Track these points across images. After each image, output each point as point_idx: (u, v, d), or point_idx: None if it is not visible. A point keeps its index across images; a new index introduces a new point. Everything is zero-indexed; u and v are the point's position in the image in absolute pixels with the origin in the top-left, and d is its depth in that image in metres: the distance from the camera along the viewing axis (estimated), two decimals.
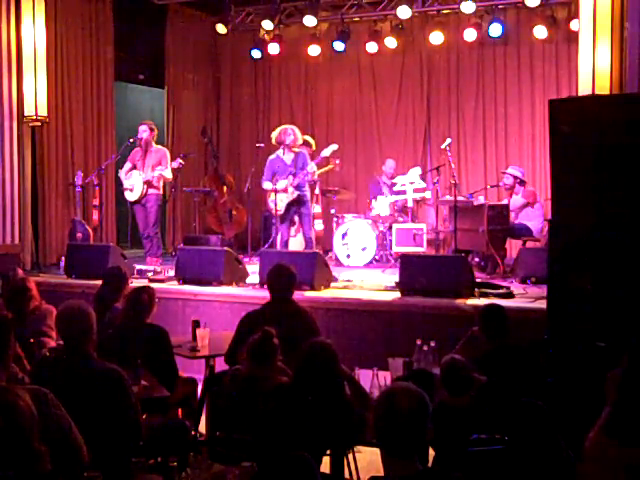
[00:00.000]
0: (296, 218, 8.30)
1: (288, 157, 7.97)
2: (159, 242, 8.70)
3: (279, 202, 7.97)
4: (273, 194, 8.04)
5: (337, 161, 9.39)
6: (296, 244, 8.91)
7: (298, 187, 7.89)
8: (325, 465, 3.49)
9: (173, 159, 8.61)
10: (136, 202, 8.52)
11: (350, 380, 3.66)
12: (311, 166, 7.86)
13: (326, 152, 8.19)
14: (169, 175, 8.52)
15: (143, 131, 8.47)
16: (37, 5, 8.45)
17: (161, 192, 8.69)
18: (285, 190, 7.92)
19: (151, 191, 8.43)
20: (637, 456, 2.19)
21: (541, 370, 4.29)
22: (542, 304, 5.32)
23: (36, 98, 8.46)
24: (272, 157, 8.11)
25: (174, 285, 7.24)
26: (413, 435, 2.30)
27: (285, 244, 8.13)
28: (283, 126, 8.24)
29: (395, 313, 6.32)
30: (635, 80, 6.24)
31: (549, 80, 10.05)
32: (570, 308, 4.52)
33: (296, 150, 8.01)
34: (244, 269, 7.41)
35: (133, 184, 8.41)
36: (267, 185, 8.07)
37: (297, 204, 7.99)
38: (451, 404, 3.48)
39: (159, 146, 8.74)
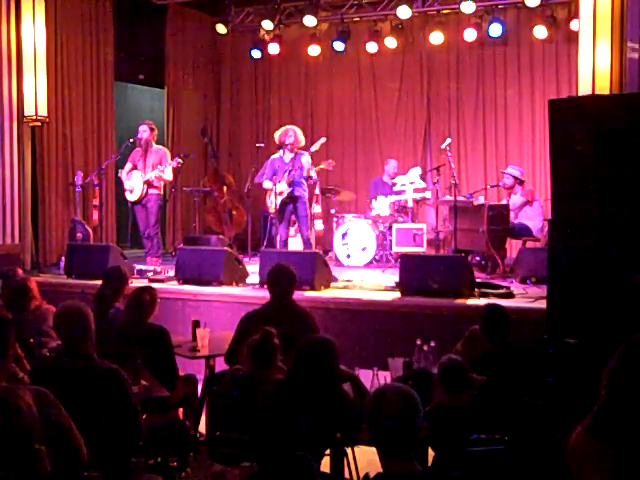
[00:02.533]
0: (293, 217, 8.29)
1: (288, 157, 7.99)
2: (159, 242, 8.69)
3: (275, 200, 7.98)
4: (272, 193, 8.03)
5: (330, 160, 9.37)
6: (296, 244, 8.91)
7: (292, 184, 7.88)
8: (325, 465, 3.49)
9: (173, 159, 8.61)
10: (137, 202, 8.52)
11: (353, 380, 3.66)
12: (306, 158, 7.83)
13: (315, 147, 8.22)
14: (169, 175, 8.51)
15: (143, 131, 8.47)
16: (37, 5, 8.45)
17: (161, 192, 8.69)
18: (281, 193, 7.92)
19: (151, 191, 8.43)
20: (621, 458, 2.19)
21: (541, 370, 4.29)
22: (542, 304, 5.32)
23: (36, 98, 8.46)
24: (275, 156, 8.13)
25: (174, 285, 7.24)
26: (404, 433, 2.31)
27: (284, 244, 8.12)
28: (286, 127, 8.24)
29: (395, 313, 6.32)
30: (635, 80, 6.24)
31: (549, 80, 10.05)
32: (570, 307, 4.52)
33: (297, 151, 8.01)
34: (244, 269, 7.41)
35: (133, 185, 8.42)
36: (267, 184, 8.07)
37: (292, 203, 7.97)
38: (450, 404, 3.48)
39: (159, 146, 8.74)
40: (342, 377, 3.53)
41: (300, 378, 3.27)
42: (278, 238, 8.24)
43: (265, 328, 3.81)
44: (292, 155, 7.96)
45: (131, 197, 8.49)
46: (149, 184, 8.38)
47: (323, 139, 8.41)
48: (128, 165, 8.57)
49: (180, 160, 8.55)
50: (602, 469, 2.23)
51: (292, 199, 7.93)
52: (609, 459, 2.22)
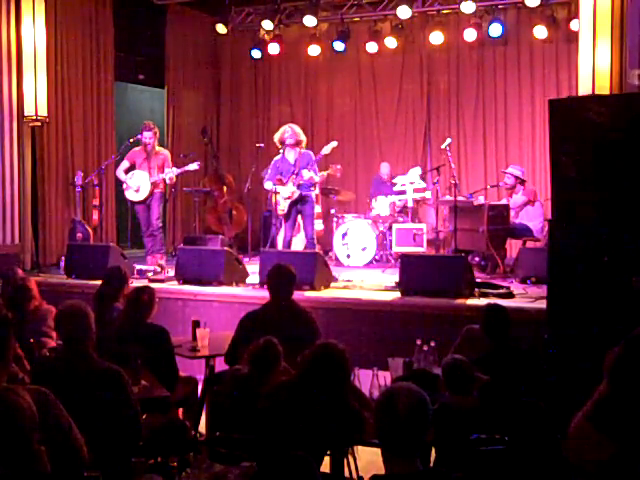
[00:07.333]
0: (298, 217, 8.27)
1: (291, 156, 7.91)
2: (162, 239, 8.64)
3: (282, 202, 7.94)
4: (277, 195, 7.98)
5: (338, 166, 9.32)
6: (297, 244, 8.90)
7: (300, 186, 7.85)
8: (325, 465, 3.49)
9: (173, 159, 8.60)
10: (140, 202, 8.44)
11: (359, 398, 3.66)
12: (305, 172, 7.76)
13: (326, 150, 8.09)
14: (174, 177, 8.51)
15: (149, 138, 8.28)
16: (37, 5, 8.46)
17: (164, 190, 8.66)
18: (289, 197, 7.88)
19: (155, 190, 8.40)
20: (620, 449, 2.20)
21: (541, 370, 4.29)
22: (542, 304, 5.32)
23: (36, 98, 8.46)
24: (277, 157, 8.07)
25: (174, 285, 7.24)
26: (413, 434, 2.31)
27: (288, 244, 8.10)
28: (283, 126, 8.23)
29: (395, 313, 6.32)
30: None
31: (549, 80, 10.05)
32: (570, 308, 4.52)
33: (301, 150, 7.96)
34: (244, 269, 7.41)
35: (139, 184, 8.30)
36: (268, 185, 8.02)
37: (299, 203, 7.94)
38: (454, 405, 3.48)
39: (161, 148, 8.67)
40: (352, 390, 3.52)
41: (309, 383, 3.26)
42: (282, 237, 8.22)
43: (268, 338, 3.77)
44: (296, 155, 7.88)
45: (136, 196, 8.37)
46: (155, 184, 8.35)
47: (334, 143, 8.21)
48: (125, 163, 8.45)
49: (173, 176, 8.45)
50: (601, 459, 2.24)
51: (300, 199, 7.88)
52: (608, 449, 2.23)
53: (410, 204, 9.30)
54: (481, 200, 8.50)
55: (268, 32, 10.92)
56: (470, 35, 9.84)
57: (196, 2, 10.72)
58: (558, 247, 4.66)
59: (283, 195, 7.87)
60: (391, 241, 9.14)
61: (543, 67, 10.11)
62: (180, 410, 4.75)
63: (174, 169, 8.34)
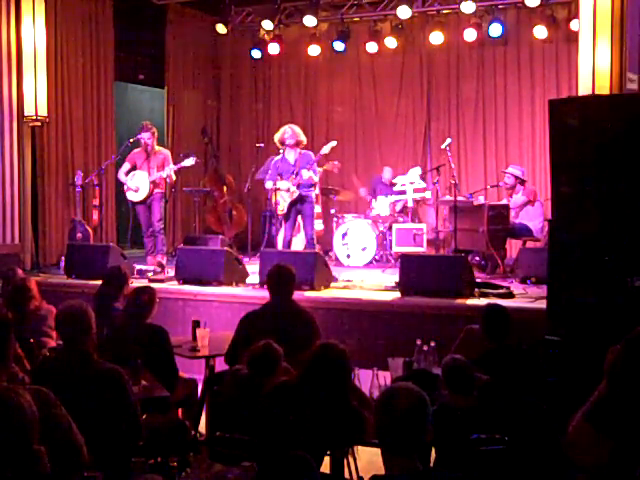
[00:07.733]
0: (298, 217, 8.27)
1: (291, 157, 7.90)
2: (164, 239, 8.62)
3: (282, 202, 7.94)
4: (278, 194, 7.97)
5: (335, 162, 9.35)
6: (297, 243, 8.90)
7: (300, 186, 7.85)
8: (325, 465, 3.49)
9: (173, 159, 8.60)
10: (141, 202, 8.42)
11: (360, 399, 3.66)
12: (305, 172, 7.75)
13: (325, 149, 8.06)
14: (174, 176, 8.50)
15: (148, 138, 8.27)
16: (37, 5, 8.47)
17: (165, 190, 8.66)
18: (287, 189, 7.88)
19: (156, 190, 8.40)
20: (619, 449, 2.21)
21: (541, 370, 4.29)
22: (542, 304, 5.32)
23: (36, 98, 8.47)
24: (277, 158, 8.06)
25: (174, 285, 7.24)
26: (413, 434, 2.31)
27: (288, 244, 8.10)
28: (283, 127, 8.22)
29: (395, 313, 6.33)
30: None
31: (549, 80, 10.06)
32: (570, 308, 4.53)
33: (301, 151, 7.95)
34: (244, 269, 7.41)
35: (138, 185, 8.29)
36: (269, 184, 8.02)
37: (299, 203, 7.93)
38: (454, 405, 3.48)
39: (160, 148, 8.68)
40: (352, 390, 3.52)
41: (312, 385, 3.26)
42: (282, 237, 8.21)
43: (266, 342, 3.77)
44: (296, 155, 7.87)
45: (136, 196, 8.35)
46: (155, 184, 8.34)
47: (334, 142, 8.15)
48: (126, 165, 8.45)
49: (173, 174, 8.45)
50: (600, 459, 2.25)
51: (300, 199, 7.87)
52: (607, 449, 2.23)
53: (410, 204, 9.30)
54: (481, 200, 8.51)
55: (268, 32, 10.93)
56: (470, 35, 9.85)
57: (196, 2, 10.72)
58: (558, 247, 4.66)
59: (282, 187, 7.84)
60: (391, 241, 9.14)
61: (543, 67, 10.12)
62: (180, 410, 4.75)
63: (171, 166, 8.34)
